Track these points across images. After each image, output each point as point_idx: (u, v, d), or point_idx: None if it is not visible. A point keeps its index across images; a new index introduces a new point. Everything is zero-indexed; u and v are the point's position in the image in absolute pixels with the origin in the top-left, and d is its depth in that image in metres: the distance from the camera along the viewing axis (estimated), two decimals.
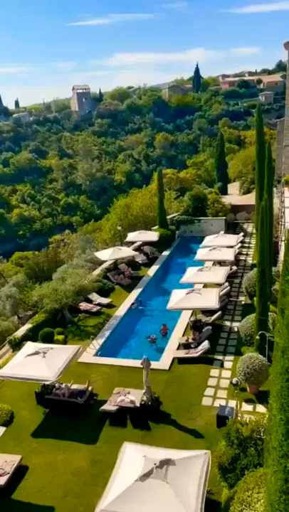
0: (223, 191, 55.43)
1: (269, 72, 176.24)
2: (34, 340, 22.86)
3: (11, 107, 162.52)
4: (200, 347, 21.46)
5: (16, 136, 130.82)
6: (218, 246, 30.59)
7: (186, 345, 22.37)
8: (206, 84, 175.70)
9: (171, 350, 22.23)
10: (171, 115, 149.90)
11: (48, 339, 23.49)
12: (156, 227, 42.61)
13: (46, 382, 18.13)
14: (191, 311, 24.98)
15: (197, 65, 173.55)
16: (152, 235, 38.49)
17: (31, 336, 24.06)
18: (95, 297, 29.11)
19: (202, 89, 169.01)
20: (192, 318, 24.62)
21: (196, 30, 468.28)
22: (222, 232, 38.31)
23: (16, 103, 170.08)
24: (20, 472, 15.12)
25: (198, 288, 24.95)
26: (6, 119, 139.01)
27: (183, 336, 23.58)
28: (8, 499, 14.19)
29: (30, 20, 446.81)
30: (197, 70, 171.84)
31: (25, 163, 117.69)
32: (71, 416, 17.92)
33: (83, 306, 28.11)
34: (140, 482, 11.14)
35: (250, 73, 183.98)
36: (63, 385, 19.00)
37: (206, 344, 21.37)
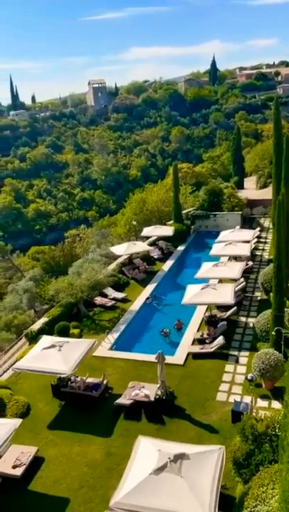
0: (240, 185, 54.88)
1: (287, 64, 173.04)
2: (50, 333, 23.09)
3: (28, 102, 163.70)
4: (215, 342, 21.39)
5: (32, 131, 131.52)
6: (233, 241, 30.35)
7: (200, 341, 22.32)
8: (223, 77, 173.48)
9: (185, 345, 22.22)
10: (187, 109, 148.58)
11: (64, 333, 23.72)
12: (171, 221, 42.49)
13: (62, 375, 18.33)
14: (206, 307, 24.90)
15: (214, 58, 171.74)
16: (167, 230, 38.41)
17: (47, 329, 24.34)
18: (110, 292, 29.25)
19: (219, 82, 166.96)
20: (207, 314, 24.54)
21: (212, 22, 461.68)
22: (238, 227, 37.97)
23: (33, 98, 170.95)
24: (36, 463, 15.37)
25: (214, 283, 24.82)
26: (22, 115, 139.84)
27: (198, 331, 23.53)
28: (24, 490, 14.45)
29: (44, 15, 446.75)
30: (214, 63, 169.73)
31: (41, 158, 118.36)
32: (86, 409, 18.10)
33: (98, 300, 28.27)
34: (154, 476, 11.20)
35: (268, 65, 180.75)
36: (79, 378, 19.20)
37: (220, 339, 21.28)
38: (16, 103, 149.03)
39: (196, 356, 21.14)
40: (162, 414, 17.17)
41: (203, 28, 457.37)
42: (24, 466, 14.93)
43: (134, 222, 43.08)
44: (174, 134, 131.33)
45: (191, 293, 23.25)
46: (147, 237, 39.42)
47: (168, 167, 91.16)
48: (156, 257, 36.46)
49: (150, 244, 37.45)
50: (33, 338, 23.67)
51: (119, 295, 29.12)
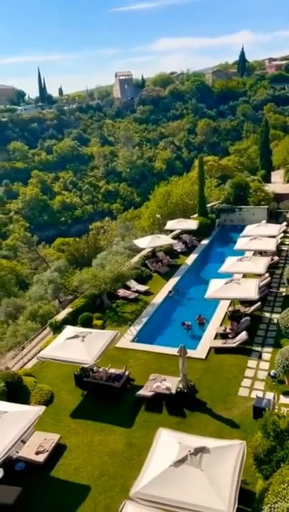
0: (267, 179, 53.89)
1: None
2: (74, 324, 23.42)
3: (55, 94, 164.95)
4: (238, 337, 21.22)
5: (59, 123, 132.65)
6: (259, 236, 29.91)
7: (223, 335, 22.19)
8: (252, 68, 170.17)
9: (208, 340, 22.14)
10: (215, 101, 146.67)
11: (87, 323, 24.02)
12: (195, 215, 42.19)
13: (85, 365, 18.58)
14: (229, 301, 24.70)
15: (242, 49, 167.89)
16: (192, 224, 38.17)
17: (71, 319, 24.69)
18: (133, 284, 29.37)
19: (247, 74, 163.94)
20: (230, 309, 24.35)
21: (242, 12, 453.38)
22: (264, 221, 37.35)
23: (60, 91, 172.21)
24: (58, 450, 15.68)
25: (238, 278, 24.58)
26: (50, 107, 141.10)
27: (220, 325, 23.39)
28: (46, 476, 14.78)
29: (74, 8, 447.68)
30: (242, 54, 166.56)
31: (67, 150, 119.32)
32: (108, 399, 18.31)
33: (121, 292, 28.45)
34: (174, 468, 11.27)
35: None
36: (101, 369, 19.42)
37: (244, 335, 21.09)
38: (44, 95, 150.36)
39: (218, 351, 21.03)
40: (183, 407, 17.21)
41: (233, 19, 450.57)
42: (47, 453, 15.27)
43: (158, 215, 42.99)
44: (201, 127, 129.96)
45: (215, 287, 23.10)
46: (171, 231, 39.29)
47: (193, 160, 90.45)
48: (179, 250, 36.33)
49: (174, 238, 37.34)
50: (57, 328, 24.06)
51: (142, 288, 29.21)
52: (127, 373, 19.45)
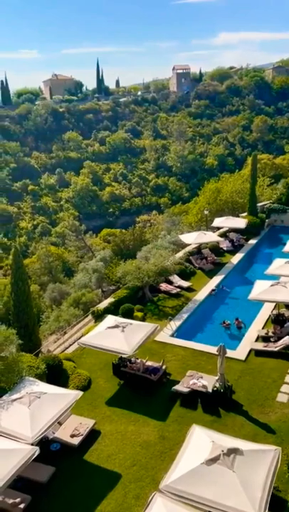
0: None
1: None
2: (115, 313, 23.74)
3: (112, 86, 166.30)
4: (280, 341, 20.66)
5: (114, 115, 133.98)
6: None
7: (265, 338, 21.70)
8: None
9: (248, 341, 21.73)
10: (273, 97, 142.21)
11: (128, 314, 24.28)
12: (244, 214, 41.36)
13: (123, 355, 18.84)
14: (273, 304, 24.09)
15: None
16: (240, 222, 37.46)
17: (112, 309, 25.07)
18: (176, 279, 29.31)
19: None
20: (274, 312, 23.74)
21: None
22: None
23: (117, 83, 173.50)
24: (92, 436, 16.04)
25: (285, 281, 23.81)
26: (106, 99, 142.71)
27: (263, 328, 22.88)
28: (80, 459, 15.19)
29: (136, 1, 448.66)
30: None
31: (120, 142, 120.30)
32: (143, 391, 18.48)
33: (163, 286, 28.48)
34: (206, 466, 11.22)
35: None
36: (139, 360, 19.61)
37: (287, 339, 20.50)
38: (101, 87, 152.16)
39: (258, 353, 20.61)
40: (219, 406, 17.05)
41: None
42: (81, 437, 15.68)
43: (207, 212, 42.51)
44: (256, 124, 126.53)
45: (260, 289, 22.58)
46: (218, 228, 38.76)
47: (246, 157, 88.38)
48: (225, 248, 35.79)
49: (220, 235, 36.84)
50: (99, 317, 24.53)
51: (185, 283, 29.09)
52: (164, 367, 19.53)
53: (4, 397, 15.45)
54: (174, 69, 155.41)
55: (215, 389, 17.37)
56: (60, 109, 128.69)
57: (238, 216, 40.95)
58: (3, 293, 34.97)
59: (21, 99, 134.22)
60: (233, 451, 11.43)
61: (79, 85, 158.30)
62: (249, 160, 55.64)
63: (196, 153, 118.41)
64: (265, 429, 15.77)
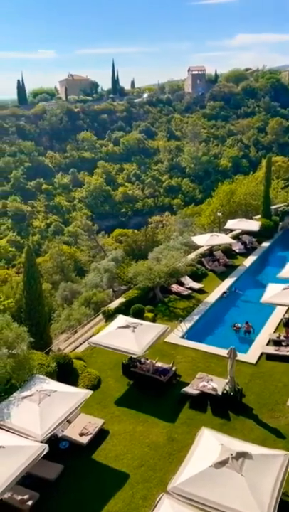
0: None
1: None
2: (126, 314, 23.73)
3: (127, 87, 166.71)
4: None
5: (128, 115, 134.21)
6: None
7: (276, 342, 21.50)
8: None
9: (259, 345, 21.57)
10: None
11: (139, 315, 24.28)
12: (258, 216, 41.06)
13: (133, 356, 18.84)
14: (286, 308, 23.86)
15: None
16: (253, 224, 37.21)
17: (123, 309, 25.09)
18: (187, 281, 29.24)
19: None
20: (286, 315, 23.51)
21: None
22: None
23: (132, 83, 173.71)
24: (101, 435, 16.07)
25: None
26: (121, 99, 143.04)
27: (274, 332, 22.68)
28: (88, 458, 15.23)
29: (153, 2, 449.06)
30: None
31: (134, 143, 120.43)
32: (153, 392, 18.45)
33: (175, 288, 28.43)
34: (214, 469, 11.17)
35: None
36: (148, 361, 19.60)
37: None
38: (116, 88, 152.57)
39: (270, 357, 20.43)
40: (228, 409, 16.95)
41: None
42: (90, 436, 15.73)
43: (220, 214, 42.34)
44: (272, 126, 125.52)
45: (272, 292, 22.38)
46: (231, 230, 38.56)
47: (261, 159, 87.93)
48: (238, 251, 35.59)
49: (233, 238, 36.62)
50: (109, 316, 24.58)
51: (196, 285, 29.00)
52: (174, 369, 19.48)
53: (15, 394, 15.58)
54: (189, 70, 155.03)
55: (225, 392, 17.27)
56: (75, 109, 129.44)
57: (251, 218, 40.69)
58: (15, 290, 35.30)
59: (37, 99, 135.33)
60: (242, 455, 11.35)
61: (94, 86, 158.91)
62: (263, 162, 55.28)
63: (210, 155, 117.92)
64: (274, 433, 15.63)
